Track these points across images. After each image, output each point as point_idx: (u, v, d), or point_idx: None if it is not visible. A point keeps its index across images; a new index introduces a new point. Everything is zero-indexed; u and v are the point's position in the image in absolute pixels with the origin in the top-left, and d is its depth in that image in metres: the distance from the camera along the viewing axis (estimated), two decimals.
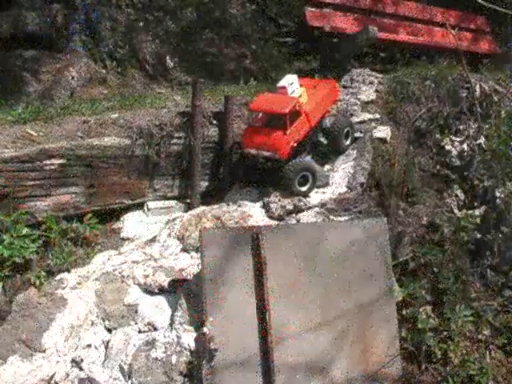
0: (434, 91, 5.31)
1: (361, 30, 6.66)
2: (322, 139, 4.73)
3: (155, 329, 3.56)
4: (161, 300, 3.72)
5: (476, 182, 4.74)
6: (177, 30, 6.83)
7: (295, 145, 4.32)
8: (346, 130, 4.69)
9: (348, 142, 4.75)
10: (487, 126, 5.09)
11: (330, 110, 4.90)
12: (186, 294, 3.62)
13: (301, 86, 4.55)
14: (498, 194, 4.65)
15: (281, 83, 4.41)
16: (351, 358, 3.57)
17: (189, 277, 3.75)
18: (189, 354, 3.40)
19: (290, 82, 4.39)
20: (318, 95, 4.59)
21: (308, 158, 4.46)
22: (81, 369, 3.42)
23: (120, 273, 3.91)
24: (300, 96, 4.40)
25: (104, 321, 3.63)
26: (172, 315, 3.59)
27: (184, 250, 4.01)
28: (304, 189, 4.30)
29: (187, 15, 6.95)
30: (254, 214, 4.14)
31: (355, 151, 4.71)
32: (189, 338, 3.44)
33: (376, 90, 5.35)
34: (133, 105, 4.72)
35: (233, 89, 5.66)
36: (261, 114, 4.47)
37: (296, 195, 4.25)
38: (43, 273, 3.92)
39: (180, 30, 6.83)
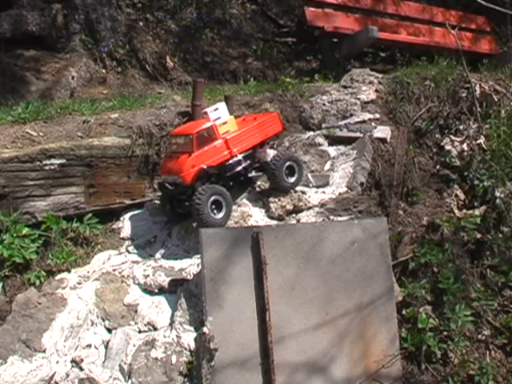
0: (433, 91, 5.31)
1: (361, 29, 6.67)
2: (254, 173, 4.20)
3: (155, 329, 3.56)
4: (161, 300, 3.72)
5: (476, 181, 4.73)
6: (177, 29, 6.84)
7: (204, 171, 3.93)
8: (286, 164, 4.12)
9: (293, 180, 4.17)
10: (487, 126, 5.09)
11: (274, 144, 4.60)
12: (186, 294, 3.62)
13: (244, 120, 4.34)
14: (498, 194, 4.64)
15: (205, 109, 4.21)
16: (351, 358, 3.58)
17: (189, 277, 3.75)
18: (189, 353, 3.40)
19: (214, 108, 4.09)
20: (250, 125, 4.23)
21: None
22: (81, 369, 3.41)
23: (120, 273, 3.91)
24: (224, 123, 4.09)
25: (104, 321, 3.63)
26: (172, 315, 3.59)
27: (184, 249, 4.01)
28: (219, 216, 3.86)
29: (187, 15, 6.96)
30: (253, 213, 4.14)
31: (355, 151, 4.70)
32: (189, 338, 3.44)
33: (376, 90, 5.35)
34: (133, 105, 4.72)
35: (233, 89, 5.66)
36: (176, 140, 4.32)
37: (207, 226, 3.71)
38: (43, 273, 3.92)
39: (180, 30, 6.83)
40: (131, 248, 4.16)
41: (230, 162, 4.08)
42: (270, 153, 4.33)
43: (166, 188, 3.99)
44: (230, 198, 3.95)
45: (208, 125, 4.01)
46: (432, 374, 3.89)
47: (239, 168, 4.12)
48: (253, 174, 4.21)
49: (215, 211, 3.84)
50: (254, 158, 4.21)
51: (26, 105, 4.53)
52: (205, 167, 3.92)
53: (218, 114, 4.11)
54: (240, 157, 4.11)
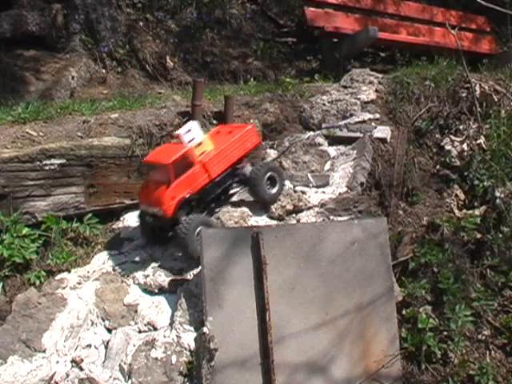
0: (433, 91, 5.31)
1: (361, 29, 6.67)
2: (235, 190, 4.10)
3: (155, 329, 3.56)
4: (161, 300, 3.72)
5: (476, 181, 4.73)
6: (177, 29, 6.84)
7: (185, 200, 3.77)
8: (267, 176, 4.01)
9: (275, 190, 4.07)
10: (487, 126, 5.09)
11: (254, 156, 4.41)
12: (186, 294, 3.62)
13: (218, 133, 4.10)
14: (498, 194, 4.64)
15: (181, 130, 3.91)
16: (351, 358, 3.58)
17: (189, 277, 3.75)
18: (189, 353, 3.40)
19: (187, 130, 3.86)
20: (226, 143, 3.98)
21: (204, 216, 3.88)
22: (81, 369, 3.41)
23: (120, 273, 3.91)
24: (199, 144, 3.86)
25: (104, 321, 3.63)
26: (172, 315, 3.59)
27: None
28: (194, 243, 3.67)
29: (187, 15, 6.96)
30: (253, 213, 4.14)
31: (355, 151, 4.70)
32: (189, 338, 3.44)
33: (376, 90, 5.35)
34: (133, 105, 4.72)
35: (233, 89, 5.66)
36: (151, 168, 4.00)
37: (192, 258, 3.64)
38: (43, 273, 3.92)
39: (180, 30, 6.84)
40: (131, 248, 4.16)
41: (210, 185, 3.91)
42: (249, 166, 4.13)
43: (146, 219, 3.92)
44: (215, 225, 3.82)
45: (183, 151, 3.76)
46: (432, 374, 3.89)
47: (219, 190, 4.00)
48: (233, 190, 4.11)
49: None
50: (234, 175, 4.07)
51: (26, 105, 4.53)
52: (186, 196, 3.76)
53: (192, 135, 3.86)
54: (220, 177, 3.95)
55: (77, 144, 4.15)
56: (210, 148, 3.89)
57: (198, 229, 3.61)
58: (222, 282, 3.43)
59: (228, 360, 3.34)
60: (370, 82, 5.45)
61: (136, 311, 3.66)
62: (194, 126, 3.92)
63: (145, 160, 4.01)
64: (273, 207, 4.15)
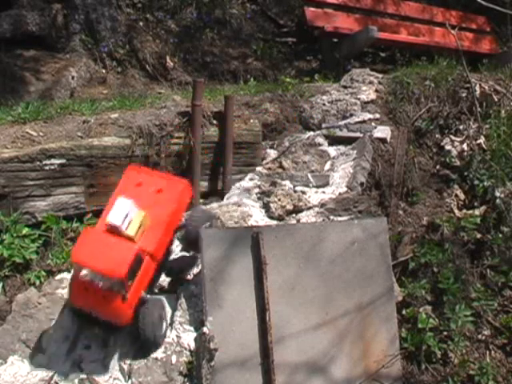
0: (433, 91, 5.31)
1: (361, 29, 6.67)
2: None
3: None
4: None
5: (476, 181, 4.73)
6: (177, 29, 6.84)
7: (141, 299, 3.31)
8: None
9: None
10: (487, 126, 5.09)
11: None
12: (186, 294, 3.62)
13: (139, 185, 3.44)
14: (498, 194, 4.64)
15: (111, 220, 3.19)
16: (351, 358, 3.58)
17: (189, 277, 3.75)
18: (189, 353, 3.40)
19: (124, 215, 3.19)
20: (163, 213, 3.35)
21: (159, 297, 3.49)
22: (81, 369, 3.42)
23: None
24: (139, 227, 3.24)
25: None
26: (172, 315, 3.58)
27: (184, 249, 4.00)
28: (163, 329, 3.39)
29: (187, 15, 6.96)
30: (253, 213, 4.14)
31: (355, 151, 4.70)
32: (189, 338, 3.44)
33: (376, 90, 5.34)
34: (133, 105, 4.72)
35: (233, 89, 5.66)
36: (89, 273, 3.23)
37: (156, 345, 3.38)
38: (43, 273, 3.92)
39: (180, 30, 6.84)
40: None
41: (157, 268, 3.45)
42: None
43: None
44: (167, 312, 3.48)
45: (133, 254, 3.15)
46: (432, 374, 3.89)
47: (164, 271, 3.63)
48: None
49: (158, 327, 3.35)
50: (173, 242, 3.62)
51: (26, 105, 4.53)
52: (143, 295, 3.32)
53: (129, 218, 3.21)
54: (164, 255, 3.50)
55: (77, 144, 4.15)
56: (146, 223, 3.29)
57: (160, 312, 3.35)
58: (222, 282, 3.43)
59: (228, 360, 3.34)
60: (370, 82, 5.45)
61: None
62: (128, 206, 3.23)
63: (79, 260, 3.19)
64: (273, 207, 4.15)
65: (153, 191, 3.42)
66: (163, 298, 3.51)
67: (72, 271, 3.30)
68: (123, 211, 3.21)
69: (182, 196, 3.51)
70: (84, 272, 3.19)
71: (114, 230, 3.20)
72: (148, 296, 3.36)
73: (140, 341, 3.35)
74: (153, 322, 3.29)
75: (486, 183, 4.69)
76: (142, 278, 3.27)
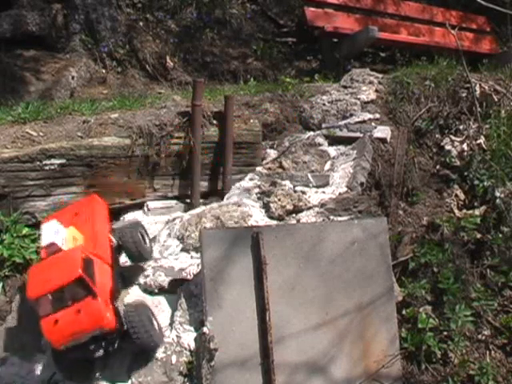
0: (433, 91, 5.31)
1: (361, 29, 6.67)
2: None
3: None
4: (161, 300, 3.72)
5: (476, 181, 4.73)
6: (177, 29, 6.84)
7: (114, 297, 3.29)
8: (138, 234, 3.66)
9: (148, 244, 3.76)
10: (487, 126, 5.09)
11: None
12: (186, 294, 3.62)
13: (77, 216, 3.53)
14: (498, 194, 4.64)
15: (46, 240, 3.22)
16: (351, 358, 3.58)
17: (189, 277, 3.75)
18: (189, 353, 3.40)
19: (54, 232, 3.23)
20: (91, 224, 3.47)
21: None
22: None
23: None
24: (73, 239, 3.29)
25: None
26: (172, 315, 3.59)
27: (184, 249, 4.01)
28: (157, 329, 3.35)
29: (187, 15, 6.96)
30: (253, 213, 4.14)
31: (355, 151, 4.71)
32: (189, 338, 3.44)
33: (376, 90, 5.34)
34: (133, 105, 4.72)
35: (233, 89, 5.66)
36: (47, 297, 3.06)
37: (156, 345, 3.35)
38: None
39: (180, 30, 6.84)
40: None
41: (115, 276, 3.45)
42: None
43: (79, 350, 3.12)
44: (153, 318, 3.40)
45: (79, 252, 3.14)
46: (432, 374, 3.89)
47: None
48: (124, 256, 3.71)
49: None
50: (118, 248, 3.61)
51: (25, 105, 4.53)
52: (123, 305, 3.30)
53: (61, 235, 3.23)
54: (113, 260, 3.51)
55: (77, 144, 4.15)
56: (79, 236, 3.34)
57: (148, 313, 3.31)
58: (222, 282, 3.43)
59: (228, 360, 3.34)
60: (370, 82, 5.45)
61: None
62: (54, 225, 3.29)
63: (35, 295, 3.04)
64: (273, 207, 4.15)
65: (73, 215, 3.57)
66: (143, 300, 3.50)
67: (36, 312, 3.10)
68: (51, 230, 3.26)
69: (94, 207, 3.66)
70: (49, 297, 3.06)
71: (52, 250, 3.18)
72: (127, 303, 3.38)
73: (140, 350, 3.32)
74: (143, 325, 3.21)
75: (486, 183, 4.69)
76: (102, 277, 3.20)
